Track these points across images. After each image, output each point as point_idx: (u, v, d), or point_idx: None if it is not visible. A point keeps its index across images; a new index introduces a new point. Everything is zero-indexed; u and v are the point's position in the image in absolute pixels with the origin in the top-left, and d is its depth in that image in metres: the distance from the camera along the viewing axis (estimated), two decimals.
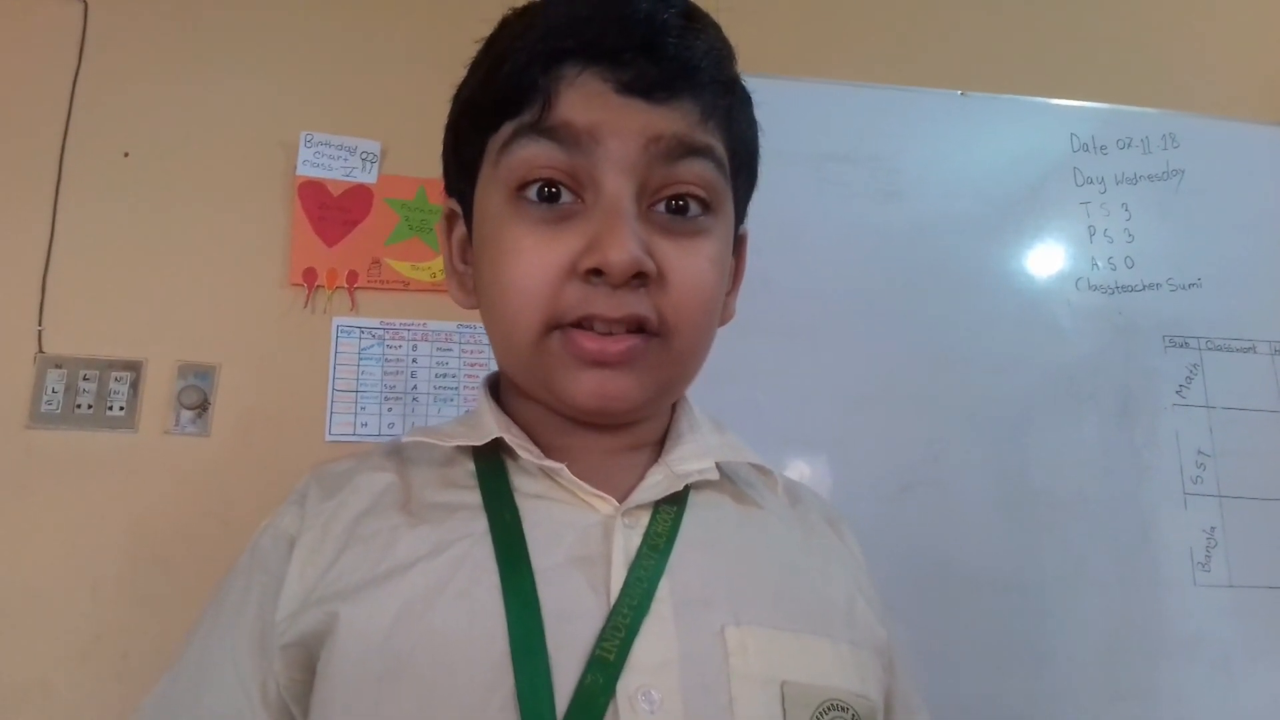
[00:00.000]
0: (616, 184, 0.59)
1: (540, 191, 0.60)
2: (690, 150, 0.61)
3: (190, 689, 0.62)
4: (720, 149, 0.63)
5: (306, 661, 0.59)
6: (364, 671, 0.56)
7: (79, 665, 1.38)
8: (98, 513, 1.44)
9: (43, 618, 1.39)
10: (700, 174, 0.61)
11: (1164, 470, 1.63)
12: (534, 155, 0.60)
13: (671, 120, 0.60)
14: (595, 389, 0.60)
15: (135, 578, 1.42)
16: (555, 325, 0.60)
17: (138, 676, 1.38)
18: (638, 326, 0.60)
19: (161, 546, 1.44)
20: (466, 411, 0.73)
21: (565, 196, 0.60)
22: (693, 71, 0.61)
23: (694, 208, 0.62)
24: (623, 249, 0.56)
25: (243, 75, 1.66)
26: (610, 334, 0.59)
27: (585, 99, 0.59)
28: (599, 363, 0.60)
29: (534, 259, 0.59)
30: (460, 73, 0.69)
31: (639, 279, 0.58)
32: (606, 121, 0.59)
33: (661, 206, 0.61)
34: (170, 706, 0.62)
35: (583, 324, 0.59)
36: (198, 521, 1.45)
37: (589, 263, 0.57)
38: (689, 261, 0.61)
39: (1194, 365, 1.69)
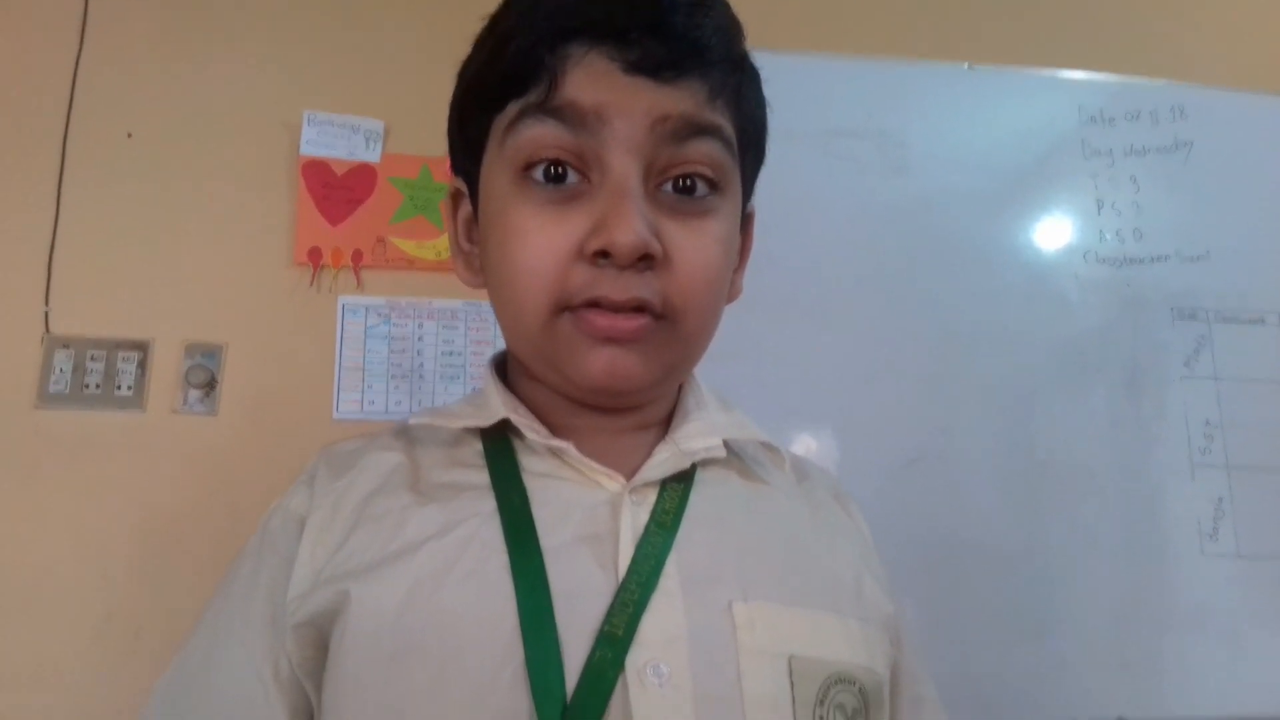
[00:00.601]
0: (623, 164, 0.58)
1: (546, 172, 0.60)
2: (698, 130, 0.60)
3: (202, 670, 0.63)
4: (728, 128, 0.63)
5: (318, 640, 0.60)
6: (376, 649, 0.56)
7: (91, 644, 1.39)
8: (107, 492, 1.45)
9: (54, 597, 1.40)
10: (708, 154, 0.61)
11: (1172, 442, 1.64)
12: (540, 135, 0.59)
13: (679, 100, 0.59)
14: (606, 366, 0.60)
15: (146, 556, 1.43)
16: (564, 307, 0.60)
17: (150, 654, 1.39)
18: (643, 309, 0.60)
19: (171, 525, 1.45)
20: (473, 391, 0.73)
21: (571, 177, 0.59)
22: (701, 50, 0.60)
23: (701, 187, 0.61)
24: (629, 230, 0.56)
25: (245, 55, 1.65)
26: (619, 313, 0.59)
27: (592, 79, 0.59)
28: (610, 339, 0.60)
29: (541, 240, 0.59)
30: (464, 49, 0.68)
31: (645, 261, 0.58)
32: (613, 101, 0.58)
33: (669, 186, 0.61)
34: (182, 688, 0.63)
35: (590, 306, 0.59)
36: (207, 500, 1.45)
37: (596, 244, 0.57)
38: (696, 243, 0.61)
39: (1202, 337, 1.69)
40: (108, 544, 1.43)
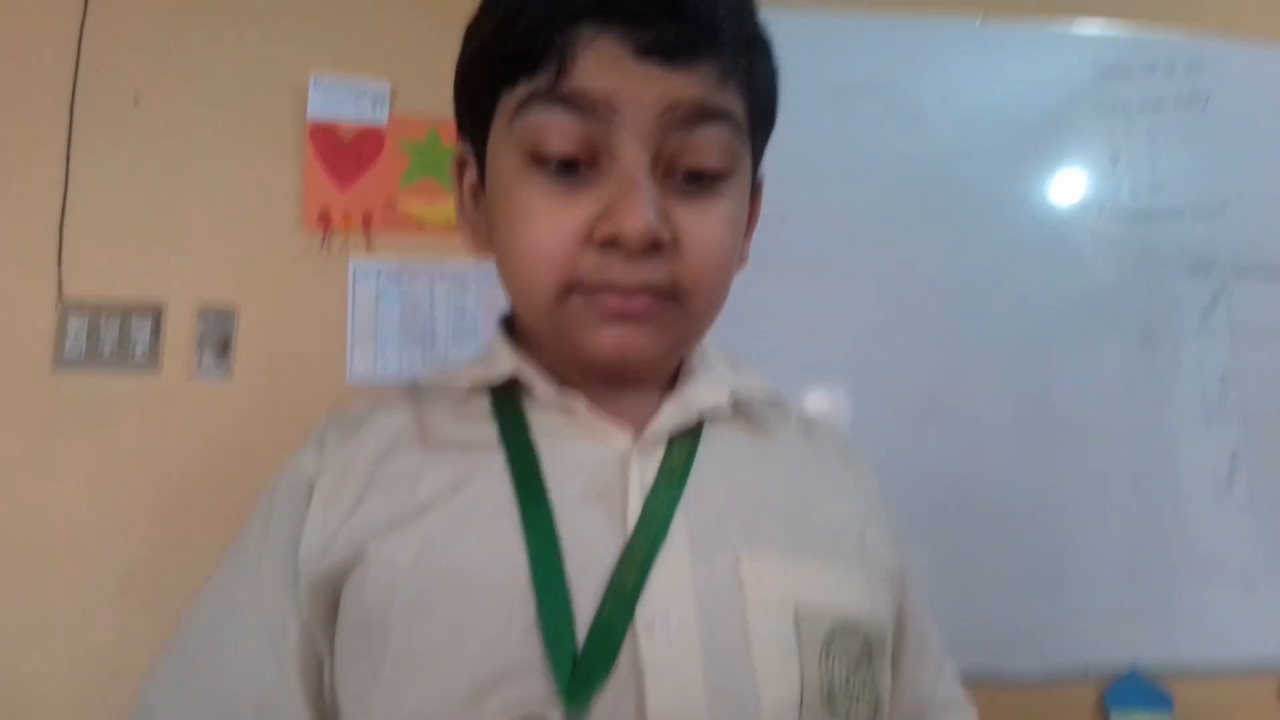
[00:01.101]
0: (632, 153, 0.58)
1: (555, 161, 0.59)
2: (708, 115, 0.60)
3: (211, 632, 0.64)
4: (739, 109, 0.62)
5: (330, 600, 0.61)
6: (389, 606, 0.57)
7: (114, 602, 1.41)
8: (126, 454, 1.46)
9: (77, 556, 1.42)
10: (717, 139, 0.61)
11: (1186, 395, 1.64)
12: (549, 123, 0.59)
13: (689, 85, 0.59)
14: (615, 343, 0.61)
15: (166, 516, 1.45)
16: (573, 289, 0.60)
17: (174, 611, 1.39)
18: (653, 288, 0.60)
19: (190, 486, 1.46)
20: (482, 349, 0.73)
21: (580, 161, 0.59)
22: (714, 31, 0.59)
23: (710, 170, 0.61)
24: (638, 219, 0.56)
25: (251, 17, 1.64)
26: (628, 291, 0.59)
27: (602, 64, 0.58)
28: (620, 318, 0.60)
29: (549, 225, 0.59)
30: (469, 7, 0.67)
31: (654, 247, 0.58)
32: (623, 89, 0.58)
33: (678, 170, 0.60)
34: (191, 651, 0.64)
35: (600, 287, 0.59)
36: (224, 461, 1.47)
37: (605, 231, 0.57)
38: (704, 227, 0.61)
39: (1218, 291, 1.68)
40: (128, 504, 1.45)
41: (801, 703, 0.57)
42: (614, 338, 0.61)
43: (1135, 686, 1.54)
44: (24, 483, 1.43)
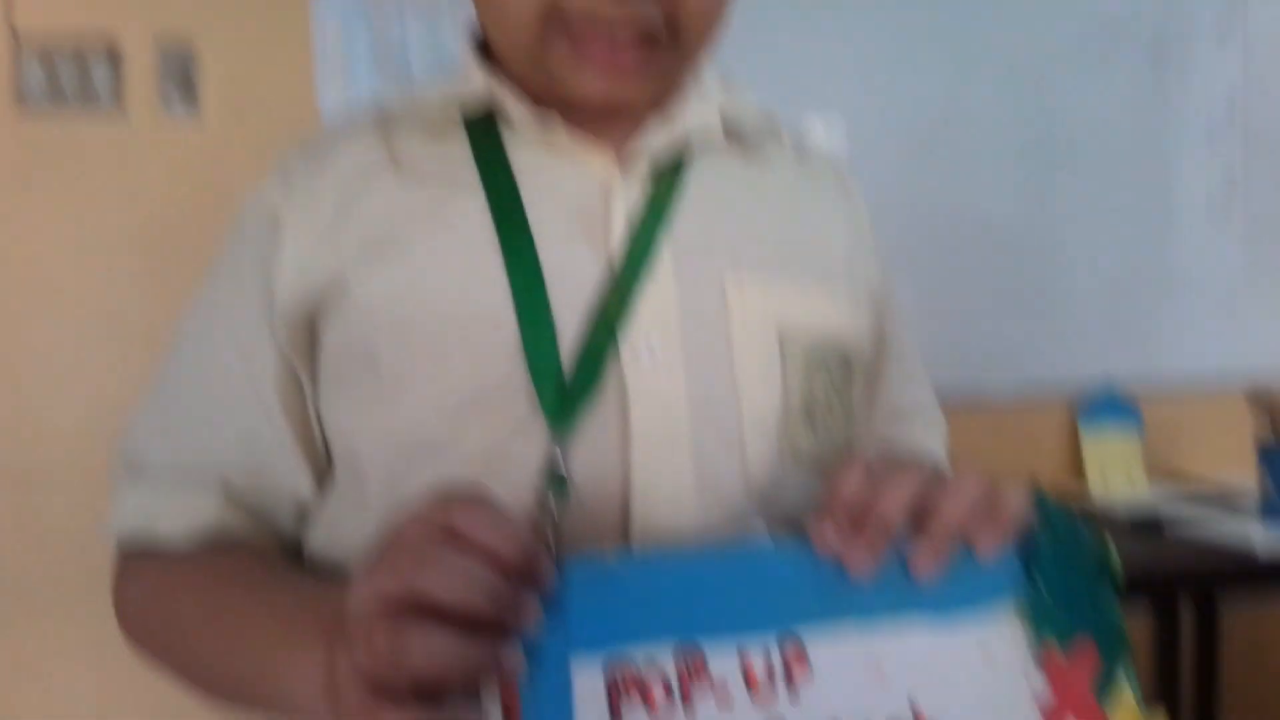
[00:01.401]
0: None
1: None
2: None
3: (190, 369, 0.63)
4: None
5: (307, 328, 0.60)
6: (373, 335, 0.57)
7: (105, 341, 1.45)
8: (102, 197, 1.45)
9: (65, 300, 1.45)
10: None
11: (1191, 114, 1.62)
12: None
13: None
14: (604, 92, 0.57)
15: (149, 256, 1.46)
16: (555, 23, 0.55)
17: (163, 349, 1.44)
18: (646, 32, 0.55)
19: (171, 226, 1.46)
20: (453, 73, 0.69)
21: None
22: None
23: None
24: None
25: None
26: (618, 37, 0.55)
27: None
28: (608, 70, 0.56)
29: None
30: None
31: None
32: None
33: None
34: (172, 388, 0.64)
35: (586, 25, 0.54)
36: (202, 200, 1.45)
37: None
38: None
39: (1235, 4, 1.61)
40: (110, 247, 1.46)
41: (783, 415, 0.58)
42: (601, 88, 0.56)
43: (1107, 402, 1.61)
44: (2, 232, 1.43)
